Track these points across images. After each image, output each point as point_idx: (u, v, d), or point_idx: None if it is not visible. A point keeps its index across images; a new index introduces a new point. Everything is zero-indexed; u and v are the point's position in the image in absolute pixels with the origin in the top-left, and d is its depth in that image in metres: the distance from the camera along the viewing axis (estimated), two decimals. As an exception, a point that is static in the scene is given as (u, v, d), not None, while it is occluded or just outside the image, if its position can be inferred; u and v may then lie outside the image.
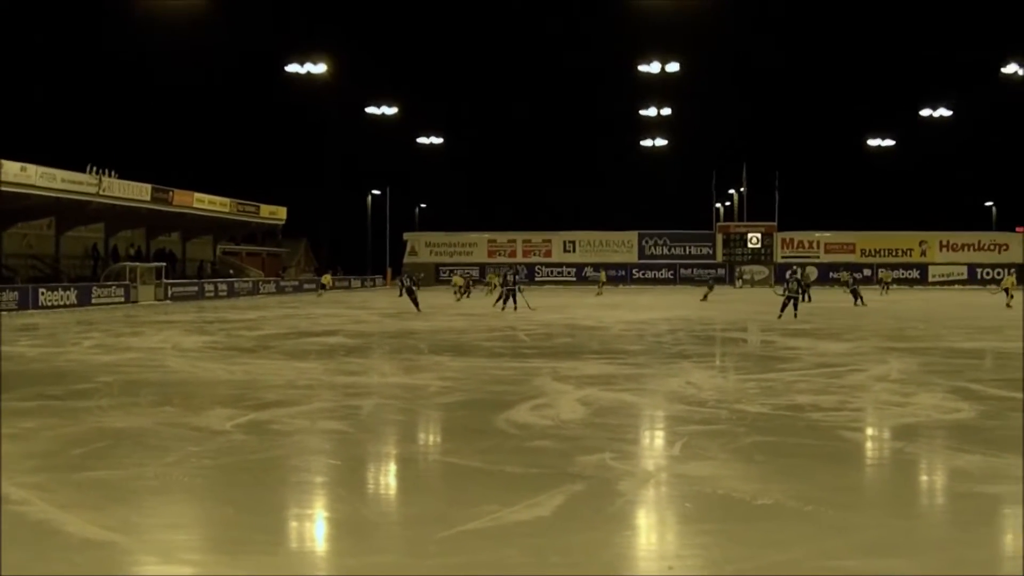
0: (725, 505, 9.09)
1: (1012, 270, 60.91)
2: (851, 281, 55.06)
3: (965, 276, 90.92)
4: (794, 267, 51.99)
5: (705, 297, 55.61)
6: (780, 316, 37.06)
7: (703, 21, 71.56)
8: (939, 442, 12.64)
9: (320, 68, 69.96)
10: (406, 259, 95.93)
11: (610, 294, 67.97)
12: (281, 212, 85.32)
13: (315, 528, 8.82)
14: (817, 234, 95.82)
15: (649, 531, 8.67)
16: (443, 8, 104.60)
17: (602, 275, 73.24)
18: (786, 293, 38.52)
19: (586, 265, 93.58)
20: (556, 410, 14.62)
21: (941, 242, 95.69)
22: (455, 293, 62.06)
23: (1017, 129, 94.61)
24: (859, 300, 49.49)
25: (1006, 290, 52.93)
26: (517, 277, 46.56)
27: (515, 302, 44.20)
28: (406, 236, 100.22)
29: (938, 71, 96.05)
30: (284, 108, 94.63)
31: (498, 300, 46.01)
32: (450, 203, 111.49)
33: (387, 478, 11.06)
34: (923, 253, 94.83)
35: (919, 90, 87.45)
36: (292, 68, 69.65)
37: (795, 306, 38.47)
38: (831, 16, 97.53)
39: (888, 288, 70.76)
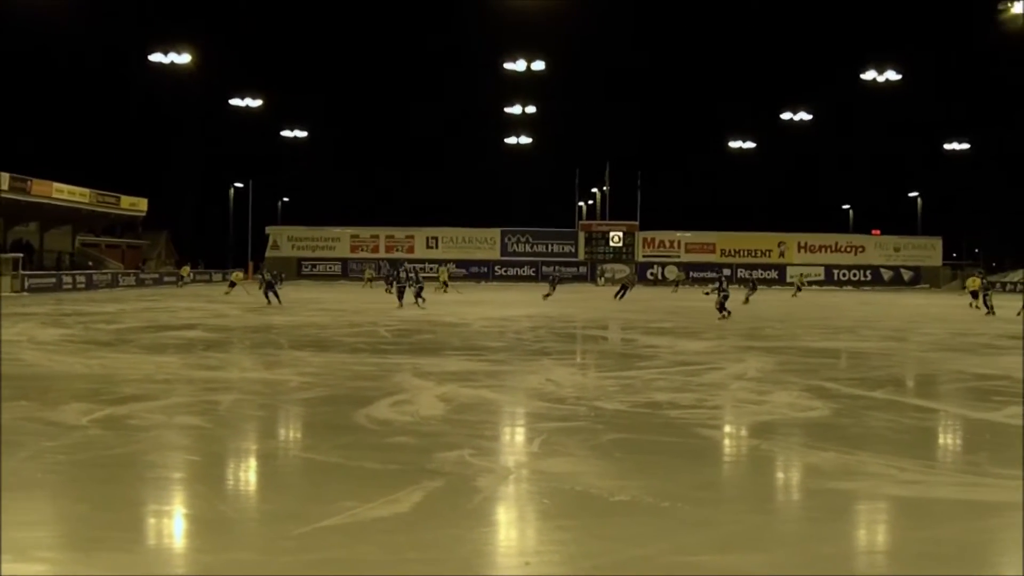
0: (583, 501, 9.16)
1: (979, 272, 62.57)
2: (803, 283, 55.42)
3: (822, 277, 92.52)
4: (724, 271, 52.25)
5: (547, 296, 55.08)
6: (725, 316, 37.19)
7: (569, 20, 71.80)
8: (794, 439, 12.85)
9: (184, 58, 69.14)
10: (268, 253, 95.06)
11: (472, 291, 67.93)
12: (142, 204, 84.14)
13: (173, 525, 8.73)
14: (678, 234, 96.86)
15: (508, 527, 8.71)
16: (308, 1, 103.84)
17: (442, 272, 71.33)
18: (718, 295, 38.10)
19: (448, 261, 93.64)
20: (416, 406, 14.62)
21: (799, 243, 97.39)
22: (364, 284, 62.59)
23: (875, 133, 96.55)
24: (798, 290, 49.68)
25: (973, 292, 53.25)
26: (411, 275, 46.49)
27: (419, 298, 44.77)
28: (268, 230, 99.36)
29: (798, 75, 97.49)
30: (147, 98, 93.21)
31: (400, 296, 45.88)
32: (314, 197, 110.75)
33: (246, 474, 10.97)
34: (782, 254, 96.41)
35: (779, 93, 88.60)
36: (156, 58, 68.73)
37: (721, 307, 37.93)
38: (696, 18, 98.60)
39: (800, 289, 70.85)
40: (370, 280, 68.01)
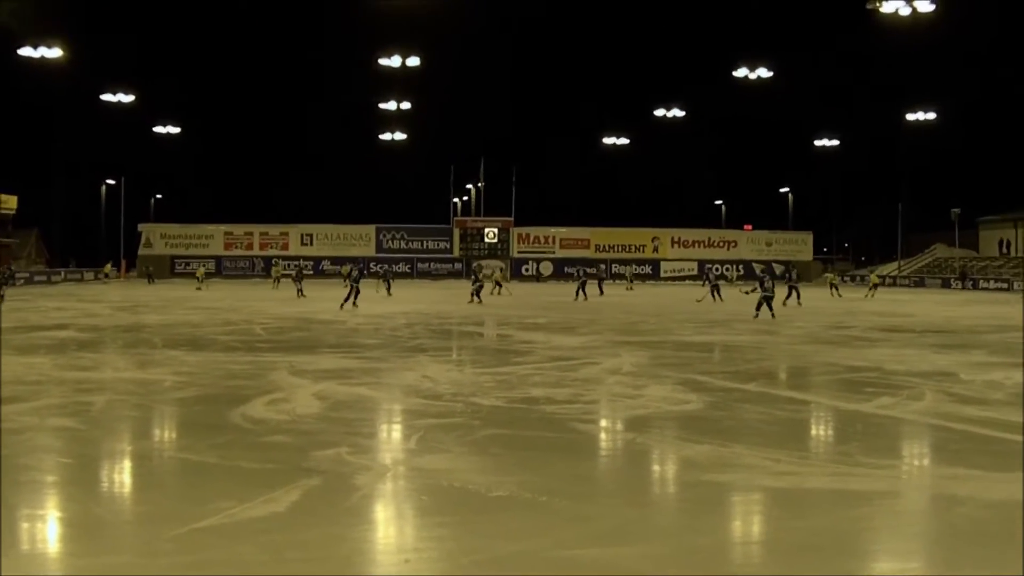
0: (461, 497, 9.18)
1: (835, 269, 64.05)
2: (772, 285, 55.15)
3: (696, 272, 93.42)
4: (715, 267, 51.64)
5: (388, 291, 54.97)
6: (757, 315, 35.82)
7: (444, 16, 71.75)
8: (669, 432, 12.99)
9: (55, 53, 67.96)
10: (140, 251, 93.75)
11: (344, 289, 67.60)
12: (11, 201, 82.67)
13: (46, 528, 8.58)
14: (553, 230, 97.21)
15: (386, 524, 8.70)
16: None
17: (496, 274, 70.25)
18: (761, 293, 36.77)
19: (324, 258, 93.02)
20: (292, 404, 14.53)
21: (673, 238, 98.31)
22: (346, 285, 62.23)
23: (747, 130, 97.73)
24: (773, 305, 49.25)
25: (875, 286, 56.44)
26: (361, 273, 46.35)
27: (476, 296, 46.52)
28: (141, 227, 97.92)
29: (672, 71, 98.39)
30: (15, 94, 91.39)
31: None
32: (187, 194, 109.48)
33: (120, 476, 10.83)
34: (655, 249, 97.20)
35: (653, 89, 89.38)
36: (26, 52, 67.48)
37: (769, 305, 36.32)
38: (571, 14, 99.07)
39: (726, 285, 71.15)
40: (278, 279, 67.27)
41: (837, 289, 58.22)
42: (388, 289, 55.12)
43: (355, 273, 45.26)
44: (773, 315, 35.51)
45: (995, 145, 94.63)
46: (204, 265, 78.83)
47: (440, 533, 8.15)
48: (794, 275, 49.17)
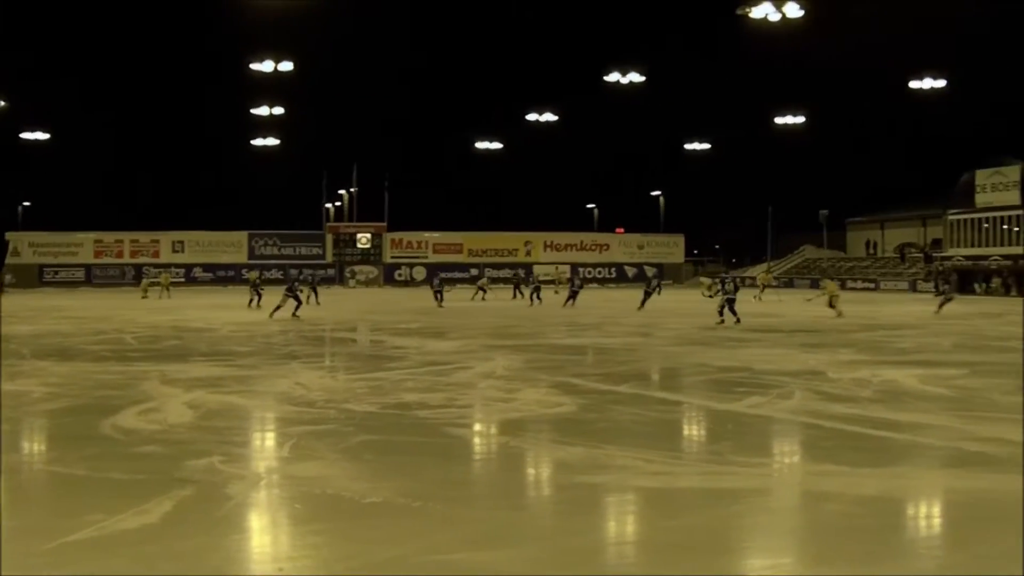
0: (335, 504, 9.16)
1: (831, 278, 64.83)
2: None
3: (569, 275, 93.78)
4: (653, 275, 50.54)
5: (316, 301, 54.06)
6: (721, 321, 34.65)
7: (316, 20, 71.28)
8: (543, 435, 13.09)
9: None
10: (8, 260, 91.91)
11: (220, 295, 67.04)
12: None
13: (-91, 545, 8.42)
14: (426, 234, 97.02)
15: (260, 533, 8.65)
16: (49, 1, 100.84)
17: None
18: (720, 296, 36.06)
19: (195, 265, 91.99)
20: (164, 414, 14.36)
21: (545, 242, 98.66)
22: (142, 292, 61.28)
23: (618, 133, 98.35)
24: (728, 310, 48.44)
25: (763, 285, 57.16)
26: (300, 280, 45.60)
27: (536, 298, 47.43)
28: (8, 236, 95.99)
29: (543, 76, 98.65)
30: None
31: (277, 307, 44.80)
32: (57, 202, 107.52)
33: (-14, 489, 10.65)
34: (528, 253, 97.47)
35: (525, 94, 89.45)
36: None
37: (732, 308, 35.02)
38: (443, 20, 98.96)
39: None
40: (147, 288, 66.23)
41: (763, 290, 58.76)
42: (316, 298, 51.26)
43: (305, 278, 45.33)
44: (737, 319, 34.47)
45: (862, 148, 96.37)
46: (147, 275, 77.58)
47: (314, 541, 8.13)
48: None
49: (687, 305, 48.55)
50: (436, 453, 11.61)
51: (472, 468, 11.56)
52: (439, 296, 49.51)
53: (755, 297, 54.23)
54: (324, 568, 7.49)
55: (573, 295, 49.62)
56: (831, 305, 39.35)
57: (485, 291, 58.19)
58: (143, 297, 61.95)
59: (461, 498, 9.58)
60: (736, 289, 36.36)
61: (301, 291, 41.83)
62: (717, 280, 38.85)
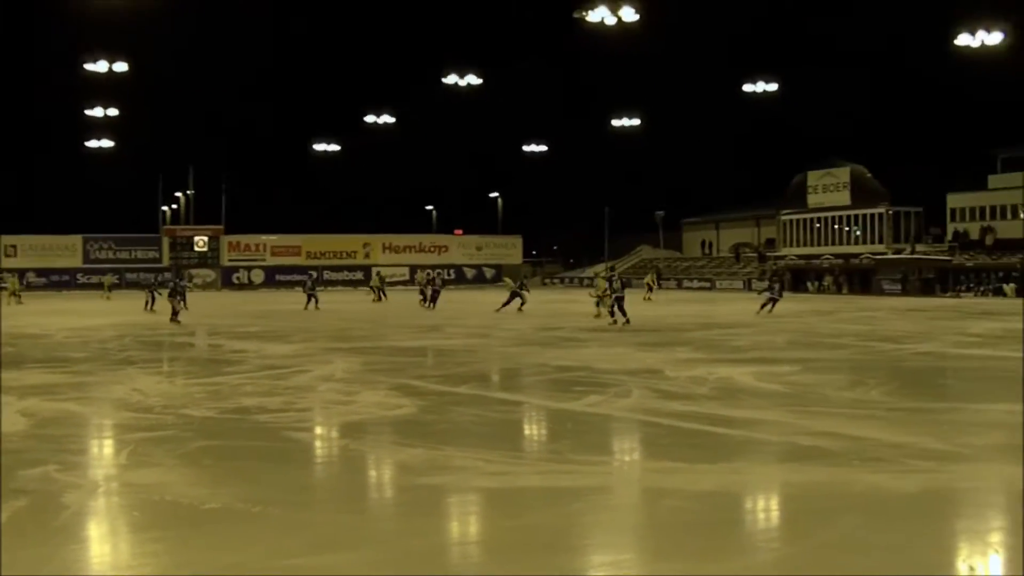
0: (174, 511, 9.05)
1: (653, 269, 65.40)
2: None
3: (407, 277, 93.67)
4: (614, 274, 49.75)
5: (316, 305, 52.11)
6: (613, 321, 34.39)
7: (153, 20, 70.14)
8: (384, 438, 13.09)
9: None
10: None
11: (55, 300, 65.75)
12: None
13: None
14: (264, 237, 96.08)
15: (99, 542, 8.50)
16: None
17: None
18: (611, 294, 35.68)
19: (29, 270, 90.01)
20: (-4, 423, 14.07)
21: (384, 244, 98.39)
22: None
23: (456, 135, 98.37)
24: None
25: (649, 285, 57.52)
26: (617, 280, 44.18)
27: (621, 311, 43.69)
28: None
29: (382, 77, 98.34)
30: None
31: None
32: None
33: None
34: (367, 255, 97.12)
35: (363, 95, 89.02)
36: None
37: (621, 307, 34.72)
38: (278, 20, 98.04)
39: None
40: (110, 288, 64.50)
41: (651, 290, 59.12)
42: (316, 303, 49.15)
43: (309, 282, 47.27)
44: (627, 319, 34.29)
45: (697, 150, 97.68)
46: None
47: (154, 548, 8.03)
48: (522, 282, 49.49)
49: (528, 306, 48.79)
50: (275, 458, 11.54)
51: (312, 472, 11.49)
52: (313, 299, 48.86)
53: (644, 298, 54.60)
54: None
55: (434, 297, 49.40)
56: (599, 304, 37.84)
57: (383, 292, 58.02)
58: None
59: (301, 502, 9.52)
60: (623, 287, 36.76)
61: (160, 293, 40.91)
62: (606, 279, 38.87)
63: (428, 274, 55.22)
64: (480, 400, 16.25)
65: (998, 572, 7.62)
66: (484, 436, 12.99)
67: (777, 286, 43.17)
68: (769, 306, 40.14)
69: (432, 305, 48.52)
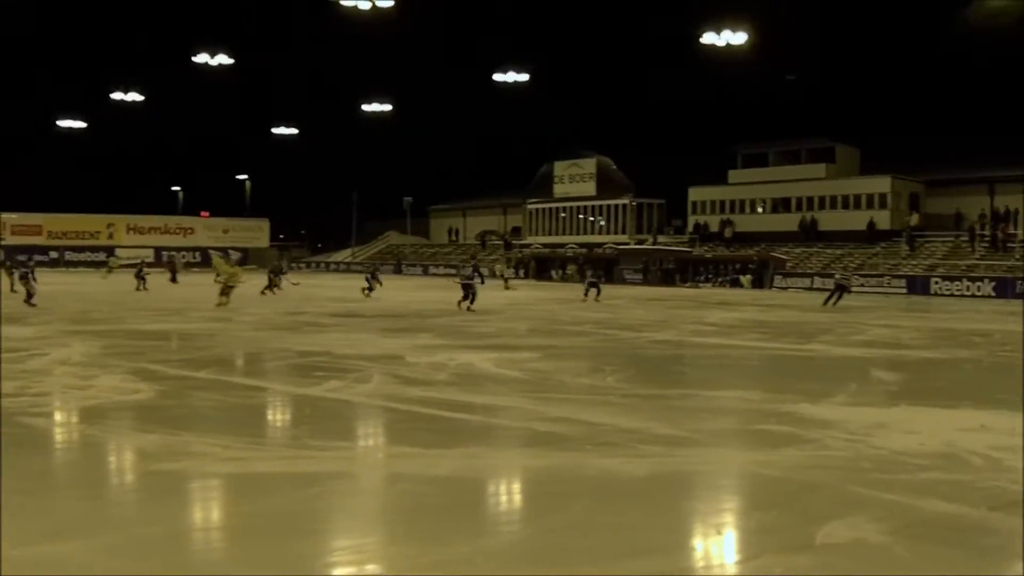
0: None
1: (504, 257, 65.12)
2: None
3: (152, 259, 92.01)
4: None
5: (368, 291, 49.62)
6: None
7: None
8: (121, 423, 12.93)
9: None
10: None
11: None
12: None
13: None
14: (3, 216, 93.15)
15: None
16: None
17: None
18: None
19: None
20: None
21: (128, 225, 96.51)
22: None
23: (204, 116, 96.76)
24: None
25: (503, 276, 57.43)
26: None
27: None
28: None
29: (129, 55, 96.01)
30: None
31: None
32: None
33: None
34: (111, 236, 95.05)
35: (109, 72, 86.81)
36: None
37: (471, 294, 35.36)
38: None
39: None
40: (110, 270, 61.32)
41: (507, 281, 58.30)
42: (369, 289, 45.98)
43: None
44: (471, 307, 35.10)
45: (446, 137, 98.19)
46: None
47: None
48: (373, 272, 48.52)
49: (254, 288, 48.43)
50: (9, 443, 11.20)
51: (48, 458, 11.24)
52: (143, 280, 47.91)
53: (505, 287, 54.41)
54: None
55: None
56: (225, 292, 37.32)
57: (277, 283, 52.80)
58: None
59: (36, 489, 9.33)
60: (481, 277, 38.63)
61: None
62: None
63: (169, 256, 54.21)
64: (220, 385, 16.16)
65: (728, 552, 7.99)
66: (223, 421, 12.95)
67: (598, 276, 44.77)
68: (594, 292, 41.79)
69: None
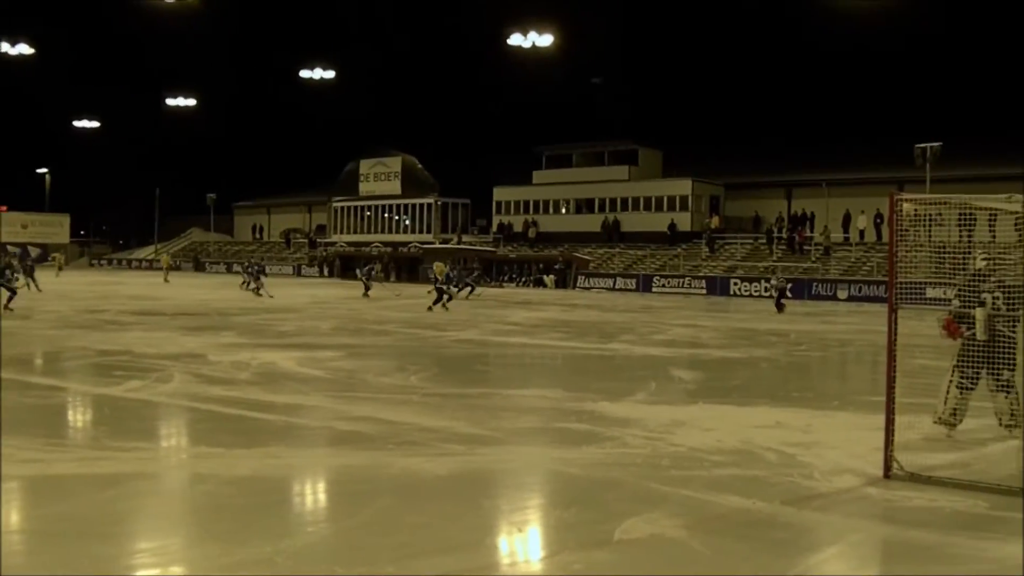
0: None
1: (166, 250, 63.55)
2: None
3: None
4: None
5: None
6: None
7: None
8: None
9: None
10: None
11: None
12: None
13: None
14: None
15: None
16: None
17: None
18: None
19: None
20: None
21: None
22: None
23: (5, 106, 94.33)
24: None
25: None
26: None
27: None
28: None
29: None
30: None
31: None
32: None
33: None
34: None
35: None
36: None
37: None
38: None
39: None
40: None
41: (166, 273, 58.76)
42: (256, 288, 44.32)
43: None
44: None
45: (251, 133, 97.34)
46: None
47: None
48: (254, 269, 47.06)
49: (74, 288, 47.54)
50: None
51: None
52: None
53: (164, 279, 53.78)
54: None
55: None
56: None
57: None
58: None
59: None
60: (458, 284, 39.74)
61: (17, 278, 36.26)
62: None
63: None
64: (16, 385, 15.79)
65: (530, 549, 8.14)
66: (19, 423, 12.62)
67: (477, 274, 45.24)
68: (470, 289, 43.30)
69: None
